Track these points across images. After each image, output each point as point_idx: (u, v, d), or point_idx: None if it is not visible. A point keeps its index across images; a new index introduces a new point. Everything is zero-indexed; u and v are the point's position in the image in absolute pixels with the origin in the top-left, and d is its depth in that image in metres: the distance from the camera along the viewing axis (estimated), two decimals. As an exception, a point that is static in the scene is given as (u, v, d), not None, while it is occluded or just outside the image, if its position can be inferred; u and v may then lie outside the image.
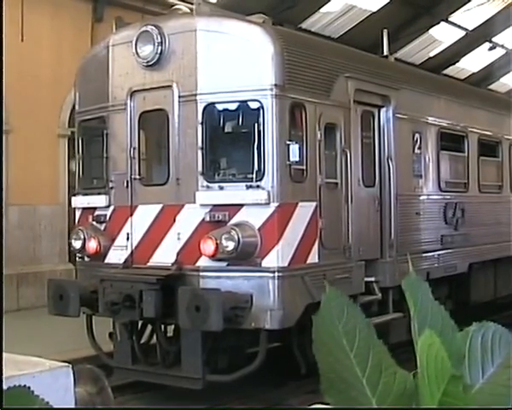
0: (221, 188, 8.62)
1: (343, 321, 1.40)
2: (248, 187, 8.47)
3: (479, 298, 13.52)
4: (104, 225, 9.55)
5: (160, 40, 8.93)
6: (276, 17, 20.03)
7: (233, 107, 8.77)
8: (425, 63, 27.86)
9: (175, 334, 9.19)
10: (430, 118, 11.71)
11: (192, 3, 15.61)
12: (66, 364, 4.18)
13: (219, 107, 8.79)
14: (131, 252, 9.26)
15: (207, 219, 8.58)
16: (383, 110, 10.54)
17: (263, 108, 8.46)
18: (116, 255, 9.36)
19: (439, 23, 26.84)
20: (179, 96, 8.83)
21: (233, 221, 8.47)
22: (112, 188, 9.44)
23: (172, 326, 9.34)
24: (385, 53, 11.94)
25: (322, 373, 1.37)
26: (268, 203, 8.39)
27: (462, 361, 1.37)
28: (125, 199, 9.30)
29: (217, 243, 8.35)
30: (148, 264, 9.10)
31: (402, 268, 10.68)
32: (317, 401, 1.87)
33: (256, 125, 8.49)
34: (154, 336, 9.49)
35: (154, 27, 9.00)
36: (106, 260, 9.47)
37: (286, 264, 8.49)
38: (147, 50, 9.02)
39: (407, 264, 10.60)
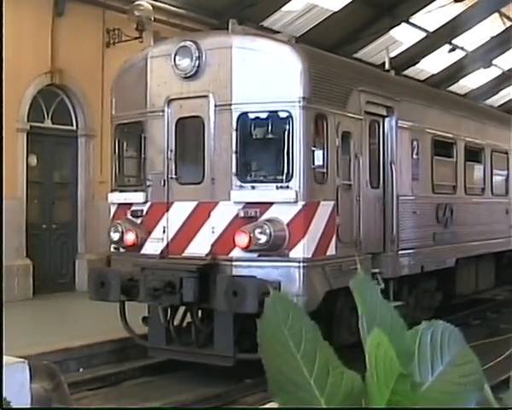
0: (253, 188, 9.72)
1: (288, 324, 1.38)
2: (278, 187, 9.59)
3: (463, 291, 14.86)
4: (141, 219, 10.58)
5: (197, 55, 9.99)
6: (238, 15, 19.80)
7: (264, 116, 9.88)
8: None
9: (206, 316, 10.25)
10: (426, 126, 12.95)
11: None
12: (22, 359, 4.29)
13: (252, 115, 9.89)
14: (167, 244, 10.30)
15: (241, 214, 9.67)
16: (387, 119, 11.73)
17: (292, 118, 9.59)
18: (152, 247, 10.40)
19: (399, 24, 26.94)
20: (215, 105, 9.91)
21: (264, 217, 9.58)
22: (149, 186, 10.47)
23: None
24: (386, 67, 13.09)
25: (269, 376, 1.37)
26: (296, 202, 9.52)
27: (411, 360, 1.37)
28: (162, 196, 10.34)
29: (250, 236, 9.45)
30: (183, 254, 10.14)
31: (402, 261, 11.93)
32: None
33: (285, 132, 9.61)
34: (185, 319, 10.57)
35: (192, 43, 10.06)
36: (142, 251, 10.50)
37: (310, 255, 9.63)
38: (185, 63, 10.07)
39: (406, 258, 11.92)
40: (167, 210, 10.33)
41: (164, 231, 10.33)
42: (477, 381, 1.38)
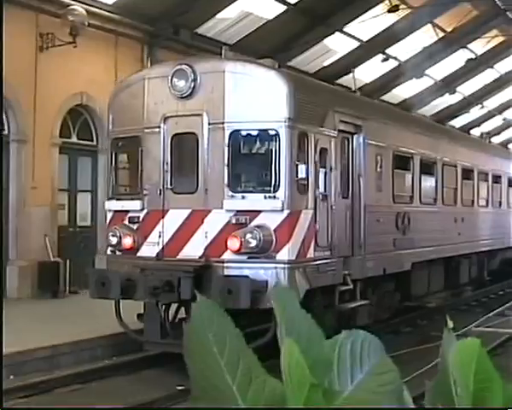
0: (243, 197, 10.90)
1: (213, 330, 1.38)
2: (266, 197, 10.79)
3: (417, 292, 16.31)
4: (137, 225, 11.63)
5: (193, 77, 11.12)
6: (172, 21, 20.88)
7: (253, 133, 11.09)
8: (319, 72, 28.16)
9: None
10: (388, 143, 14.32)
11: (85, 3, 17.22)
12: None
13: (242, 133, 11.08)
14: (163, 247, 11.38)
15: (232, 221, 10.83)
16: (356, 137, 13.04)
17: (278, 136, 10.81)
18: (149, 250, 11.46)
19: (333, 33, 27.09)
20: (209, 123, 11.06)
21: (253, 223, 10.76)
22: (145, 195, 11.54)
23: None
24: (353, 89, 14.43)
25: (193, 380, 1.37)
26: (282, 210, 10.74)
27: (330, 369, 1.37)
28: (158, 204, 11.43)
29: (241, 241, 10.62)
30: (178, 257, 11.24)
31: (368, 264, 13.26)
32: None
33: (272, 148, 10.84)
34: (177, 316, 11.66)
35: (187, 66, 11.19)
36: (138, 254, 11.55)
37: (294, 258, 10.85)
38: (181, 84, 11.19)
39: (371, 261, 13.28)
40: (163, 217, 11.42)
41: (160, 236, 11.41)
42: (395, 390, 1.38)
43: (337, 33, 27.29)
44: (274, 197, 10.77)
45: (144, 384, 10.76)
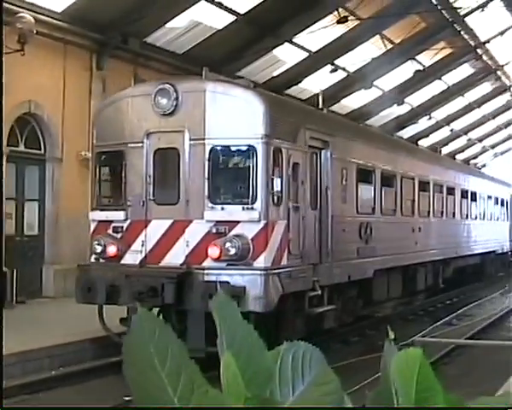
0: (222, 208, 11.70)
1: (155, 341, 1.35)
2: (244, 208, 11.61)
3: (378, 298, 17.29)
4: (121, 234, 12.34)
5: (175, 96, 11.90)
6: (122, 30, 20.84)
7: (232, 149, 11.91)
8: (268, 82, 28.28)
9: (180, 316, 12.08)
10: (352, 157, 15.27)
11: (34, 11, 17.18)
12: None
13: (222, 148, 11.88)
14: (145, 255, 12.10)
15: (212, 231, 11.62)
16: (323, 152, 13.94)
17: (255, 151, 11.65)
18: (132, 258, 12.17)
19: (283, 43, 27.12)
20: (190, 139, 11.84)
21: (232, 233, 11.56)
22: (129, 206, 12.26)
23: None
24: (320, 106, 15.37)
25: (134, 393, 1.35)
26: (259, 221, 11.57)
27: (271, 380, 1.37)
28: (141, 215, 12.15)
29: (221, 249, 11.42)
30: (160, 264, 11.98)
31: (334, 271, 14.16)
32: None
33: (250, 163, 11.67)
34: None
35: (170, 85, 11.96)
36: (122, 262, 12.25)
37: (269, 265, 11.68)
38: (164, 102, 11.96)
39: (338, 268, 14.18)
40: (146, 226, 12.15)
41: (142, 245, 12.14)
42: (337, 400, 1.38)
43: (286, 44, 27.42)
44: (251, 209, 11.59)
45: (92, 394, 10.97)
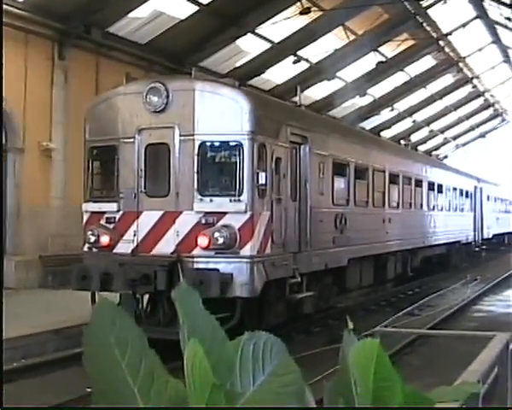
0: (211, 200, 12.46)
1: (115, 332, 1.36)
2: (231, 200, 12.38)
3: (351, 285, 18.20)
4: (113, 224, 13.03)
5: (166, 94, 12.61)
6: (84, 20, 20.97)
7: (220, 144, 12.65)
8: (231, 73, 28.22)
9: (170, 302, 12.81)
10: (328, 152, 16.12)
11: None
12: None
13: (210, 144, 12.63)
14: (137, 245, 12.82)
15: (202, 221, 12.38)
16: (303, 147, 14.77)
17: (242, 147, 12.42)
18: (124, 247, 12.88)
19: (245, 34, 27.16)
20: (180, 135, 12.57)
21: (220, 223, 12.33)
22: (121, 198, 12.96)
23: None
24: (298, 103, 16.19)
25: (93, 383, 1.36)
26: (245, 212, 12.35)
27: (232, 370, 1.38)
28: (133, 206, 12.86)
29: (210, 238, 12.19)
30: (151, 253, 12.71)
31: (313, 260, 15.01)
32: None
33: (237, 158, 12.44)
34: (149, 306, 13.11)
35: (161, 84, 12.67)
36: (115, 251, 12.95)
37: (255, 253, 12.47)
38: (155, 100, 12.66)
39: (316, 257, 15.03)
40: (137, 217, 12.87)
41: (134, 235, 12.85)
42: (297, 391, 1.39)
43: (249, 34, 27.46)
44: (238, 201, 12.37)
45: (54, 386, 11.08)
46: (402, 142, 32.88)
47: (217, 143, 12.67)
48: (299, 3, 26.31)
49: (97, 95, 13.90)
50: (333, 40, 31.78)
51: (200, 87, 12.64)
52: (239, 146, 12.46)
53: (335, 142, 16.81)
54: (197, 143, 12.53)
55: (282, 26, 27.24)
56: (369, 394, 1.43)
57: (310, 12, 26.39)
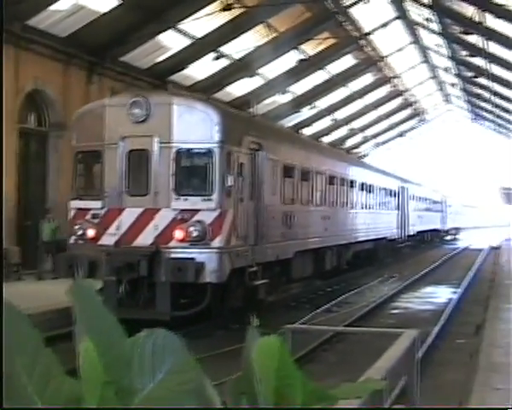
0: (186, 199, 14.50)
1: (12, 333, 1.36)
2: (203, 199, 14.46)
3: (296, 275, 20.49)
4: (98, 219, 14.93)
5: (146, 106, 14.59)
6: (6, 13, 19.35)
7: (194, 151, 14.72)
8: (152, 68, 28.58)
9: (149, 286, 14.77)
10: (279, 157, 18.36)
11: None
12: None
13: (185, 151, 14.68)
14: (120, 237, 14.75)
15: (178, 217, 14.42)
16: (259, 153, 16.94)
17: (213, 154, 14.51)
18: (108, 239, 14.79)
19: (167, 30, 27.04)
20: (159, 142, 14.57)
21: (193, 219, 14.40)
22: (106, 196, 14.86)
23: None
24: (254, 113, 18.38)
25: (4, 382, 1.34)
26: (215, 209, 14.45)
27: (130, 367, 1.38)
28: (116, 203, 14.79)
29: (186, 232, 14.25)
30: (133, 245, 14.66)
31: (267, 252, 17.22)
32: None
33: (208, 163, 14.53)
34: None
35: (143, 98, 14.64)
36: (99, 243, 14.85)
37: (223, 245, 14.59)
38: (137, 112, 14.62)
39: (269, 249, 17.26)
40: (120, 213, 14.80)
41: (117, 228, 14.78)
42: (196, 389, 1.40)
43: (170, 30, 27.38)
44: (209, 200, 14.46)
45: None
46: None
47: (191, 150, 14.74)
48: (221, 0, 26.30)
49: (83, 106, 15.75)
50: (255, 37, 31.83)
51: (176, 102, 14.67)
52: (210, 153, 14.55)
53: (285, 148, 19.06)
54: (174, 150, 14.56)
55: (204, 22, 27.14)
56: (271, 390, 1.44)
57: (232, 8, 26.52)
